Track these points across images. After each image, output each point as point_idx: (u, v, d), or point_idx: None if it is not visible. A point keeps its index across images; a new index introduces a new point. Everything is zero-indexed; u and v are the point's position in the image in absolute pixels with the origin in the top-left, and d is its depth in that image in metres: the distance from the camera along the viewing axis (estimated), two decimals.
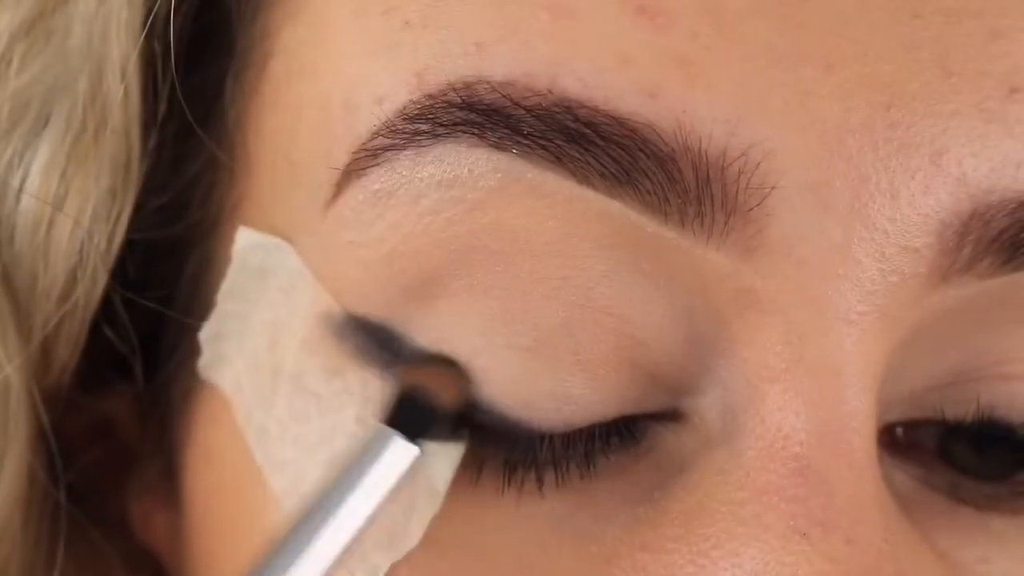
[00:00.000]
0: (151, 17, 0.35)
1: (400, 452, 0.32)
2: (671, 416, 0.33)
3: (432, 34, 0.32)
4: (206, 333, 0.36)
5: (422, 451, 0.32)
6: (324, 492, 0.32)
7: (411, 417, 0.32)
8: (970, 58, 0.31)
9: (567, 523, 0.32)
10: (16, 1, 0.37)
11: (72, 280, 0.37)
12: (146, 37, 0.36)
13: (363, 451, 0.32)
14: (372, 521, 0.32)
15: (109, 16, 0.36)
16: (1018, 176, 0.31)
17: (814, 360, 0.31)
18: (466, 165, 0.32)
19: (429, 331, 0.33)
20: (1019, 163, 0.31)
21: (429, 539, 0.33)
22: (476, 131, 0.31)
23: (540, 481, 0.33)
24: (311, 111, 0.34)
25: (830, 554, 0.30)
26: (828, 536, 0.30)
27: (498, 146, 0.31)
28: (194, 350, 0.37)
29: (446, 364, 0.33)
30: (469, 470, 0.33)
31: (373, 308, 0.33)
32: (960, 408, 0.34)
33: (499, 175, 0.31)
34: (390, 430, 0.32)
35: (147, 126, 0.36)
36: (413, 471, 0.32)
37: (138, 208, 0.37)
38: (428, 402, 0.32)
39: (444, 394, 0.32)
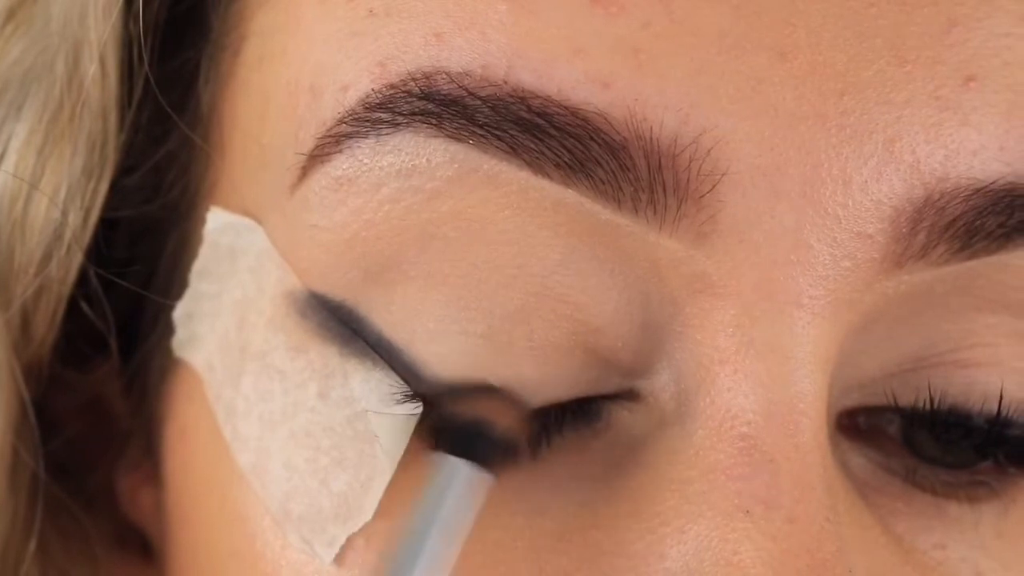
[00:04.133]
0: (129, 0, 0.37)
1: (477, 484, 0.33)
2: (627, 396, 0.34)
3: (395, 23, 0.33)
4: (179, 312, 0.38)
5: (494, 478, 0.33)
6: (411, 532, 0.33)
7: (483, 448, 0.33)
8: (925, 46, 0.32)
9: (523, 498, 0.34)
10: None
11: (48, 256, 0.38)
12: (123, 20, 0.37)
13: (446, 487, 0.33)
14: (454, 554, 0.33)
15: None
16: (973, 164, 0.32)
17: (764, 342, 0.32)
18: (424, 155, 0.33)
19: (388, 315, 0.34)
20: (974, 151, 0.32)
21: (384, 511, 0.34)
22: (434, 121, 0.33)
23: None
24: (280, 95, 0.35)
25: (771, 532, 0.32)
26: (770, 514, 0.32)
27: (455, 136, 0.33)
28: (170, 329, 0.38)
29: (499, 393, 0.34)
30: (424, 444, 0.34)
31: (335, 288, 0.35)
32: (918, 395, 0.35)
33: (456, 165, 0.33)
34: (470, 465, 0.33)
35: (123, 107, 0.38)
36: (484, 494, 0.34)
37: (114, 187, 0.38)
38: (498, 433, 0.34)
39: (507, 423, 0.34)
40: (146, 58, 0.37)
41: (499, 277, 0.33)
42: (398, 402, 0.34)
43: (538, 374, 0.34)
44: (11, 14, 0.39)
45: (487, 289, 0.34)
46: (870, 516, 0.34)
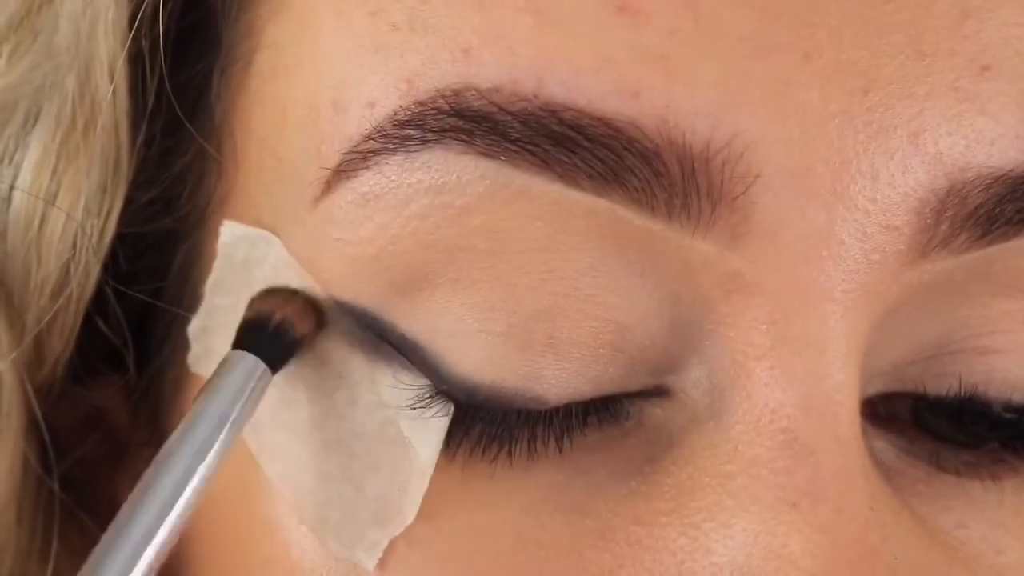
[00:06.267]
0: (138, 15, 0.37)
1: (251, 369, 0.35)
2: (657, 392, 0.35)
3: (420, 39, 0.34)
4: (195, 327, 0.38)
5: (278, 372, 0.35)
6: (183, 421, 0.35)
7: (266, 341, 0.35)
8: (942, 39, 0.33)
9: (559, 496, 0.35)
10: (1, 1, 0.38)
11: (65, 274, 0.39)
12: (133, 34, 0.37)
13: (217, 373, 0.35)
14: (231, 442, 0.35)
15: (96, 15, 0.37)
16: (992, 152, 0.34)
17: (799, 337, 0.33)
18: (455, 172, 0.33)
19: (412, 319, 0.35)
20: (992, 140, 0.34)
21: (424, 515, 0.35)
22: (465, 137, 0.33)
23: (518, 454, 0.35)
24: (298, 108, 0.36)
25: (819, 524, 0.33)
26: (816, 506, 0.33)
27: (486, 153, 0.33)
28: (184, 342, 0.39)
29: (300, 295, 0.35)
30: (451, 445, 0.35)
31: (358, 297, 0.35)
32: (940, 383, 0.36)
33: (487, 181, 0.33)
34: (241, 352, 0.35)
35: (135, 122, 0.38)
36: (264, 389, 0.35)
37: (128, 202, 0.39)
38: (284, 328, 0.35)
39: (299, 322, 0.35)
40: (164, 70, 0.37)
41: (528, 280, 0.34)
42: (428, 404, 0.35)
43: (557, 371, 0.34)
44: (15, 29, 0.39)
45: (514, 291, 0.34)
46: (898, 501, 0.35)
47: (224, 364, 0.35)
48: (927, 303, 0.35)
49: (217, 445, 0.34)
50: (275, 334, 0.35)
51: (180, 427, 0.34)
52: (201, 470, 0.34)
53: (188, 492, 0.34)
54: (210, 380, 0.35)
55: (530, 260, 0.34)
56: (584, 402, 0.35)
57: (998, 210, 0.34)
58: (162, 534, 0.33)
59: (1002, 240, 0.34)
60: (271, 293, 0.35)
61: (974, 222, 0.34)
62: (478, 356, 0.35)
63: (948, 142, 0.33)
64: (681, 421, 0.35)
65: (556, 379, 0.35)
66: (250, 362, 0.35)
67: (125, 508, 0.34)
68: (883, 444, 0.36)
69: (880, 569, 0.33)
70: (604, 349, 0.35)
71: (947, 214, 0.34)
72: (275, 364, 0.35)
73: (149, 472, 0.34)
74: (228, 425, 0.34)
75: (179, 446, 0.34)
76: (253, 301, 0.36)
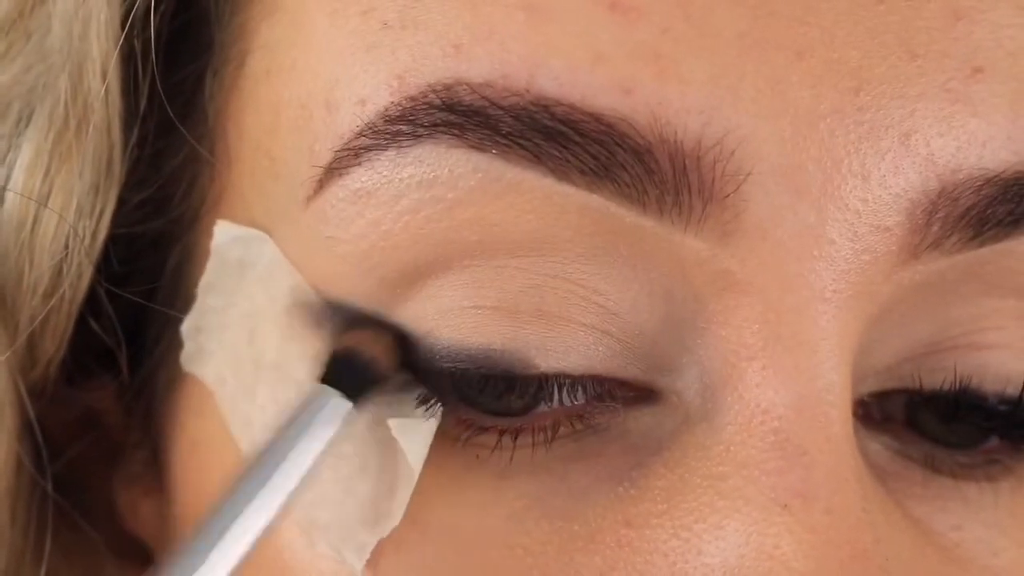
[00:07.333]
0: (130, 16, 0.37)
1: (335, 408, 0.34)
2: (648, 397, 0.35)
3: (411, 36, 0.34)
4: (187, 326, 0.38)
5: (357, 407, 0.35)
6: (263, 450, 0.34)
7: (347, 376, 0.35)
8: (933, 40, 0.33)
9: (542, 504, 0.35)
10: None
11: (58, 275, 0.39)
12: (125, 35, 0.37)
13: (300, 409, 0.35)
14: (312, 477, 0.35)
15: (89, 15, 0.37)
16: (984, 154, 0.34)
17: (791, 337, 0.33)
18: (446, 166, 0.34)
19: (403, 310, 0.35)
20: (984, 142, 0.34)
21: (411, 519, 0.35)
22: (456, 132, 0.33)
23: (501, 444, 0.35)
24: (291, 108, 0.36)
25: (811, 524, 0.33)
26: (808, 507, 0.33)
27: (478, 147, 0.33)
28: (177, 342, 0.39)
29: (380, 327, 0.35)
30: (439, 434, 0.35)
31: (350, 296, 0.35)
32: (934, 377, 0.36)
33: (479, 175, 0.33)
34: (327, 388, 0.35)
35: (128, 122, 0.38)
36: (349, 427, 0.35)
37: (121, 203, 0.39)
38: (363, 362, 0.35)
39: (378, 354, 0.35)
40: (157, 71, 0.37)
41: (518, 263, 0.34)
42: (418, 405, 0.35)
43: (546, 338, 0.34)
44: (7, 29, 0.39)
45: (504, 272, 0.34)
46: (891, 502, 0.35)
47: (315, 401, 0.35)
48: (919, 303, 0.35)
49: (297, 483, 0.34)
50: (363, 372, 0.35)
51: (259, 459, 0.34)
52: (279, 508, 0.34)
53: (265, 525, 0.34)
54: (295, 414, 0.35)
55: (520, 246, 0.34)
56: (573, 377, 0.35)
57: (989, 212, 0.34)
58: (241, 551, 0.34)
59: (993, 241, 0.34)
60: (360, 327, 0.35)
61: (965, 223, 0.34)
62: (467, 326, 0.35)
63: (940, 143, 0.33)
64: (671, 425, 0.35)
65: (544, 345, 0.35)
66: (340, 402, 0.35)
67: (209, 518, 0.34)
68: (877, 446, 0.36)
69: (872, 570, 0.33)
70: (593, 328, 0.35)
71: (938, 215, 0.34)
72: (357, 401, 0.35)
73: (223, 500, 0.34)
74: (314, 464, 0.34)
75: (268, 477, 0.34)
76: (343, 336, 0.35)
